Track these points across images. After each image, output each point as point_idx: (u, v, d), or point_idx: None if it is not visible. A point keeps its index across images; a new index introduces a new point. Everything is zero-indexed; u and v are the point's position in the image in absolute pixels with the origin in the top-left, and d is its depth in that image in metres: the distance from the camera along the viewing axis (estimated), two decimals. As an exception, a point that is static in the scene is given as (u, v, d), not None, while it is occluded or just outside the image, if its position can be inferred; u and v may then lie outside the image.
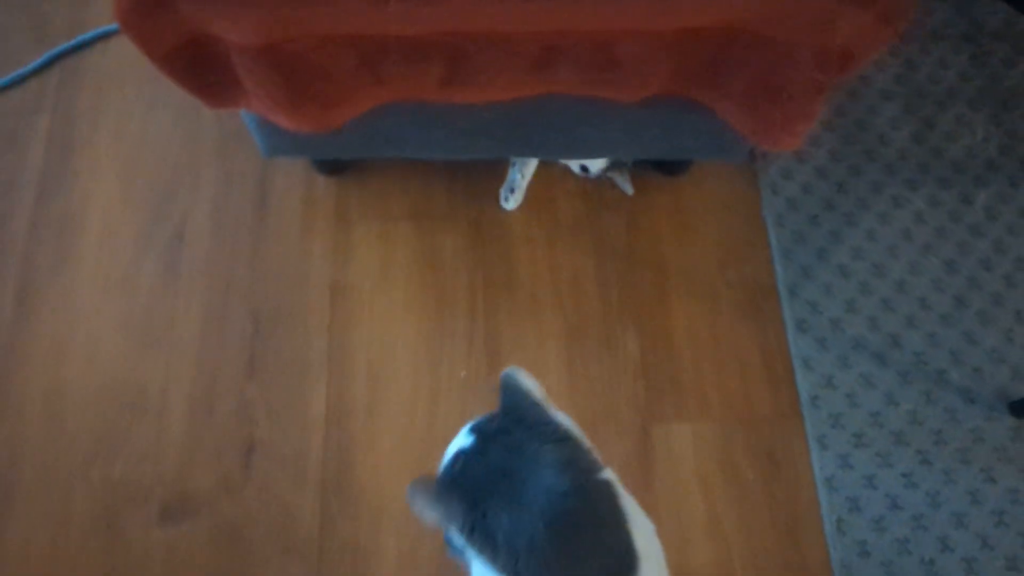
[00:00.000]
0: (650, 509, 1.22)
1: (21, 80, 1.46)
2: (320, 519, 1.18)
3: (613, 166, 1.36)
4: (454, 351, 1.29)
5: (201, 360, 1.27)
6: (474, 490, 0.73)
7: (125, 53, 1.47)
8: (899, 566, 1.19)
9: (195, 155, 1.42)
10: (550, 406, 0.78)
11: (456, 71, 0.95)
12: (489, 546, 0.72)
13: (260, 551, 1.16)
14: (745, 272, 1.36)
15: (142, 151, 1.42)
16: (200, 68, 0.96)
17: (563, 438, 0.76)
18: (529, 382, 0.77)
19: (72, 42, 1.48)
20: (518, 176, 1.36)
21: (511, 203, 1.38)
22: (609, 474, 0.77)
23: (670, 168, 1.41)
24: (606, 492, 0.76)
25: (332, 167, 1.40)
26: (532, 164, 1.37)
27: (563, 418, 0.78)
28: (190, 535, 1.17)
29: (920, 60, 1.51)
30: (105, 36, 1.49)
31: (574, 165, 1.37)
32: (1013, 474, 1.24)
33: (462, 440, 0.80)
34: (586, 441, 0.78)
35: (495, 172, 1.39)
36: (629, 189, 1.38)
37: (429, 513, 0.73)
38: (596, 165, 1.35)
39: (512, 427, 0.77)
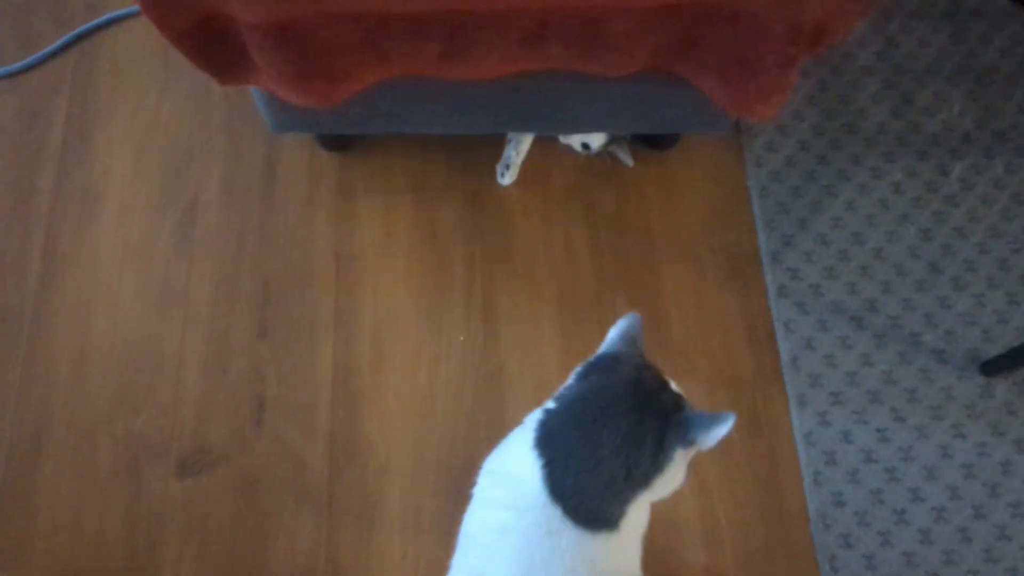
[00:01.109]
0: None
1: (41, 61, 1.52)
2: (329, 469, 1.26)
3: (613, 140, 1.43)
4: (453, 316, 1.37)
5: (214, 323, 1.35)
6: (613, 366, 0.84)
7: (140, 34, 1.54)
8: (872, 515, 1.26)
9: (206, 132, 1.48)
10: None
11: (453, 47, 1.01)
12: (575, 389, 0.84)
13: (274, 499, 1.24)
14: (730, 240, 1.43)
15: (156, 128, 1.49)
16: (213, 46, 1.02)
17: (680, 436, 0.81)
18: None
19: (89, 24, 1.54)
20: (513, 153, 1.43)
21: (507, 179, 1.44)
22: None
23: (659, 142, 1.47)
24: (649, 469, 0.81)
25: (336, 144, 1.46)
26: (527, 141, 1.43)
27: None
28: (207, 484, 1.25)
29: (901, 37, 1.57)
30: (120, 19, 1.55)
31: (576, 144, 1.43)
32: (981, 429, 1.31)
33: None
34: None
35: (492, 148, 1.45)
36: (630, 161, 1.44)
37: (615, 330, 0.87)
38: (596, 142, 1.41)
39: (663, 394, 0.84)
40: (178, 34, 0.99)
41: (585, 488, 0.79)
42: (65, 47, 1.53)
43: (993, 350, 1.34)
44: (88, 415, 1.28)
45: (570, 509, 0.79)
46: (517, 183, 1.45)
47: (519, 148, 1.43)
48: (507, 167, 1.44)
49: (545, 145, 1.46)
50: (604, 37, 1.00)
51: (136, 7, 0.95)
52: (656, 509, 1.28)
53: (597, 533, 0.80)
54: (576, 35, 0.99)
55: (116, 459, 1.26)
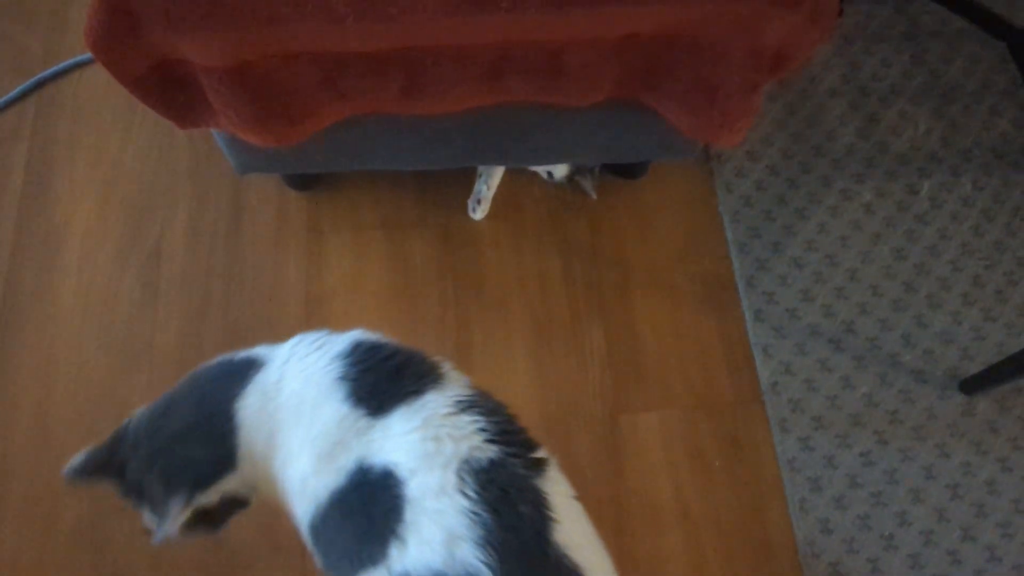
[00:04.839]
0: (621, 496, 1.28)
1: (0, 109, 1.50)
2: (302, 519, 1.22)
3: (578, 172, 1.42)
4: (426, 352, 1.34)
5: (181, 371, 1.30)
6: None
7: (101, 80, 1.52)
8: (860, 541, 1.24)
9: (170, 176, 1.46)
10: None
11: (414, 84, 1.00)
12: None
13: (247, 552, 1.19)
14: (704, 266, 1.42)
15: (119, 174, 1.46)
16: (170, 90, 1.00)
17: None
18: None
19: (49, 71, 1.52)
20: (484, 187, 1.42)
21: (478, 213, 1.43)
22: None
23: (629, 171, 1.47)
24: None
25: (303, 182, 1.45)
26: (497, 175, 1.42)
27: None
28: (176, 541, 1.20)
29: (864, 60, 1.58)
30: (80, 65, 1.53)
31: (541, 171, 1.43)
32: (965, 448, 1.29)
33: None
34: None
35: (462, 181, 1.44)
36: (593, 194, 1.44)
37: None
38: (559, 171, 1.41)
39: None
40: (134, 80, 0.97)
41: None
42: (24, 95, 1.51)
43: (972, 368, 1.34)
44: (50, 472, 1.24)
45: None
46: (489, 216, 1.44)
47: (490, 182, 1.42)
48: (478, 201, 1.42)
49: (516, 178, 1.45)
50: (565, 69, 0.99)
51: (94, 53, 0.94)
52: (641, 544, 1.25)
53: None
54: (537, 68, 0.99)
55: (79, 518, 1.21)
